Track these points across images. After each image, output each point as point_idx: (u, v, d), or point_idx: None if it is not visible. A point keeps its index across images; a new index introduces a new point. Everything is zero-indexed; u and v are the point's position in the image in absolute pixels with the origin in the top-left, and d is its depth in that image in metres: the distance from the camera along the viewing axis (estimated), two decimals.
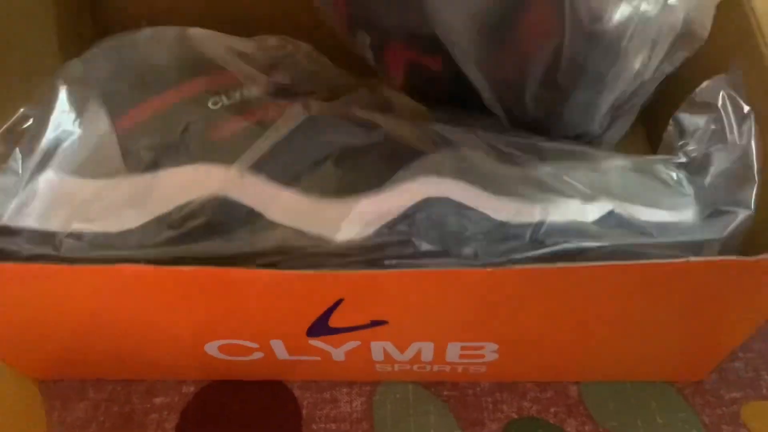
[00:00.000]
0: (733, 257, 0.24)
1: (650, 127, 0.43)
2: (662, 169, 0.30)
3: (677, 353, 0.33)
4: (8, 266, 0.26)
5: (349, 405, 0.35)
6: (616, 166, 0.30)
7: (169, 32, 0.33)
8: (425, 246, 0.25)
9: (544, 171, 0.29)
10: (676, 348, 0.32)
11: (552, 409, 0.35)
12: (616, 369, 0.34)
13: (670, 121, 0.31)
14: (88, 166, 0.29)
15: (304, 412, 0.35)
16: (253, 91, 0.31)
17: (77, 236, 0.27)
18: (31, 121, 0.32)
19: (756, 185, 0.28)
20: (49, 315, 0.30)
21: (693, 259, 0.25)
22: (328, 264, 0.26)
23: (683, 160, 0.30)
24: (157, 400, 0.36)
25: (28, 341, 0.32)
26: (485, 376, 0.34)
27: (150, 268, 0.24)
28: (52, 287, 0.28)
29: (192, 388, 0.36)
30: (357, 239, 0.26)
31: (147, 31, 0.33)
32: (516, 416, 0.35)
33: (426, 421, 0.35)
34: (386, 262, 0.25)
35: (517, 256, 0.25)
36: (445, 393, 0.35)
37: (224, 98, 0.31)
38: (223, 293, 0.27)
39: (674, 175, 0.30)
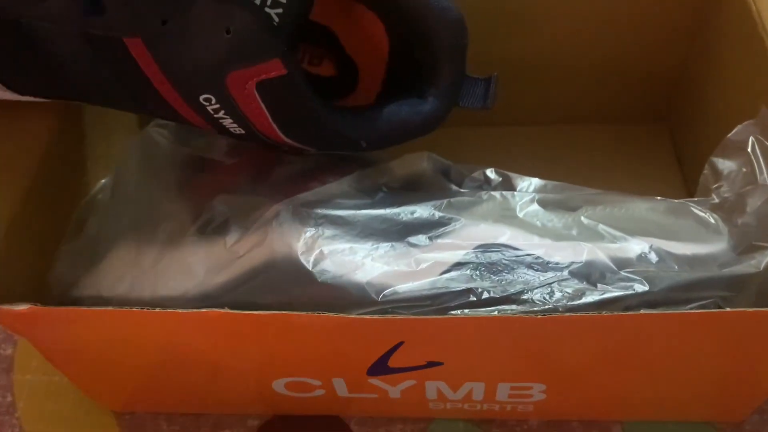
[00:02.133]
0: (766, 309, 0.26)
1: (686, 171, 0.45)
2: (697, 211, 0.31)
3: (717, 394, 0.34)
4: (95, 311, 0.29)
5: None
6: (651, 208, 0.32)
7: None
8: (485, 294, 0.28)
9: (583, 218, 0.31)
10: (716, 390, 0.34)
11: None
12: (658, 409, 0.36)
13: (706, 166, 0.33)
14: (159, 233, 0.32)
15: None
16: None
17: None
18: (106, 191, 0.35)
19: None
20: (129, 353, 0.33)
21: (728, 310, 0.27)
22: (392, 312, 0.28)
23: (717, 201, 0.32)
24: None
25: (107, 376, 0.35)
26: (533, 415, 0.36)
27: (231, 312, 0.27)
28: (135, 329, 0.30)
29: (256, 422, 0.38)
30: (416, 290, 0.28)
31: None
32: None
33: None
34: (451, 312, 0.27)
35: (574, 302, 0.27)
36: (495, 431, 0.37)
37: None
38: (295, 335, 0.29)
39: (709, 216, 0.31)
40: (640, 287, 0.27)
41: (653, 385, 0.33)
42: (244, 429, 0.38)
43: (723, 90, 0.40)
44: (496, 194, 0.31)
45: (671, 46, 0.43)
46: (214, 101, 0.29)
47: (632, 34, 0.43)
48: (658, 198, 0.33)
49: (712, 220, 0.31)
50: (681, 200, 0.32)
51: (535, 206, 0.31)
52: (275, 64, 0.27)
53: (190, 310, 0.27)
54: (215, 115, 0.30)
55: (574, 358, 0.30)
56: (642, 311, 0.27)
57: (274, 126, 0.30)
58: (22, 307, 0.28)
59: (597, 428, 0.37)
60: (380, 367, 0.31)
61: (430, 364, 0.31)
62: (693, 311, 0.27)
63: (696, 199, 0.33)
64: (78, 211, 0.35)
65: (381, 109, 0.32)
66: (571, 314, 0.27)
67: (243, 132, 0.31)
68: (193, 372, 0.34)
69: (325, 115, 0.30)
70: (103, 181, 0.36)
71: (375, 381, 0.33)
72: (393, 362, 0.31)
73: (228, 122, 0.30)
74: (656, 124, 0.48)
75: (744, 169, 0.31)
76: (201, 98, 0.29)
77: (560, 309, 0.27)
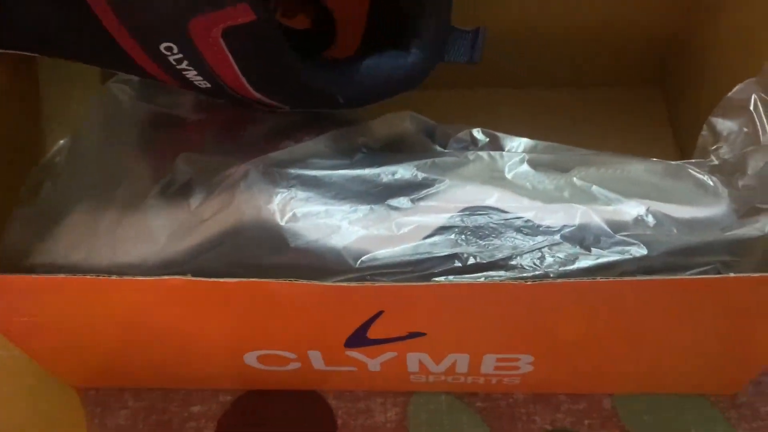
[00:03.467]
0: None
1: (679, 135, 0.43)
2: (695, 173, 0.30)
3: (713, 366, 0.33)
4: (49, 279, 0.27)
5: (384, 415, 0.36)
6: (648, 170, 0.30)
7: None
8: (471, 259, 0.26)
9: (575, 179, 0.29)
10: (712, 361, 0.32)
11: (586, 421, 0.35)
12: (650, 381, 0.34)
13: (704, 126, 0.31)
14: (117, 196, 0.30)
15: (339, 421, 0.35)
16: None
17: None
18: (64, 153, 0.33)
19: None
20: (91, 325, 0.30)
21: (732, 275, 0.25)
22: (370, 279, 0.26)
23: (716, 162, 0.30)
24: (195, 409, 0.36)
25: (69, 350, 0.33)
26: (519, 387, 0.34)
27: (195, 280, 0.25)
28: (94, 298, 0.28)
29: (228, 397, 0.36)
30: (396, 256, 0.26)
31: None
32: (550, 428, 0.35)
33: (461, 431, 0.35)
34: (434, 279, 0.25)
35: (567, 268, 0.25)
36: (478, 404, 0.36)
37: None
38: (266, 305, 0.27)
39: (707, 178, 0.29)
40: (638, 251, 0.25)
41: (646, 356, 0.32)
42: (216, 404, 0.36)
43: (721, 48, 0.38)
44: (484, 154, 0.29)
45: (668, 4, 0.41)
46: (176, 50, 0.26)
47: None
48: (654, 159, 0.31)
49: (711, 183, 0.29)
50: (678, 162, 0.30)
51: (525, 167, 0.29)
52: (243, 8, 0.25)
53: (150, 278, 0.25)
54: (177, 66, 0.27)
55: (565, 327, 0.28)
56: (639, 277, 0.25)
57: (243, 79, 0.28)
58: None
59: (586, 401, 0.35)
60: (358, 339, 0.29)
61: (412, 335, 0.29)
62: (695, 277, 0.25)
63: (694, 160, 0.31)
64: (33, 173, 0.32)
65: (360, 61, 0.30)
66: (564, 280, 0.25)
67: (209, 86, 0.28)
68: (159, 345, 0.31)
69: (298, 67, 0.28)
70: (61, 142, 0.33)
71: (353, 353, 0.31)
72: (372, 333, 0.29)
73: (192, 74, 0.28)
74: (648, 86, 0.46)
75: (745, 129, 0.30)
76: (161, 47, 0.26)
77: (551, 275, 0.25)
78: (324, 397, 0.36)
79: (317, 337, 0.30)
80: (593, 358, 0.31)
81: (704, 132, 0.32)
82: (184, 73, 0.28)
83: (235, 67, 0.27)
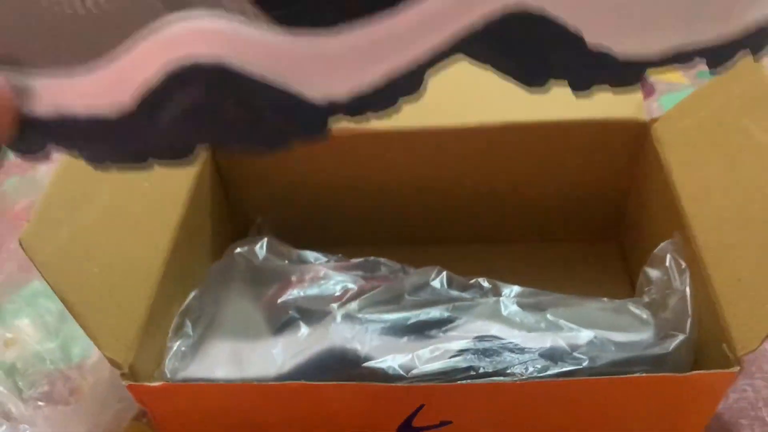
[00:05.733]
0: (670, 374, 0.38)
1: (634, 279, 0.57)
2: (633, 308, 0.43)
3: None
4: (209, 385, 0.41)
5: None
6: (600, 308, 0.44)
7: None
8: (482, 369, 0.40)
9: (549, 315, 0.43)
10: None
11: None
12: None
13: (640, 274, 0.46)
14: (242, 331, 0.45)
15: None
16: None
17: None
18: (197, 302, 0.48)
19: (690, 317, 0.41)
20: (224, 423, 0.44)
21: (643, 375, 0.39)
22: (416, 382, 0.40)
23: (647, 300, 0.44)
24: None
25: None
26: None
27: (309, 384, 0.39)
28: (231, 400, 0.42)
29: None
30: (434, 368, 0.40)
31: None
32: None
33: None
34: (459, 382, 0.40)
35: (542, 374, 0.39)
36: None
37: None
38: (346, 402, 0.41)
39: (641, 312, 0.43)
40: (586, 363, 0.40)
41: None
42: None
43: (654, 216, 0.53)
44: (489, 300, 0.44)
45: (613, 186, 0.57)
46: None
47: (583, 176, 0.56)
48: (605, 299, 0.45)
49: (644, 316, 0.44)
50: (621, 300, 0.45)
51: (515, 307, 0.43)
52: None
53: (277, 383, 0.39)
54: None
55: (542, 417, 0.42)
56: (585, 377, 0.39)
57: None
58: (157, 384, 0.40)
59: None
60: (406, 428, 0.43)
61: (443, 423, 0.42)
62: (618, 377, 0.39)
63: (633, 299, 0.45)
64: (179, 315, 0.47)
65: None
66: (539, 380, 0.39)
67: None
68: None
69: None
70: (193, 293, 0.48)
71: None
72: (416, 422, 0.42)
73: None
74: (608, 241, 0.60)
75: (665, 277, 0.44)
76: None
77: (534, 379, 0.40)
78: None
79: (374, 426, 0.43)
80: None
81: (641, 278, 0.46)
82: None
83: None
